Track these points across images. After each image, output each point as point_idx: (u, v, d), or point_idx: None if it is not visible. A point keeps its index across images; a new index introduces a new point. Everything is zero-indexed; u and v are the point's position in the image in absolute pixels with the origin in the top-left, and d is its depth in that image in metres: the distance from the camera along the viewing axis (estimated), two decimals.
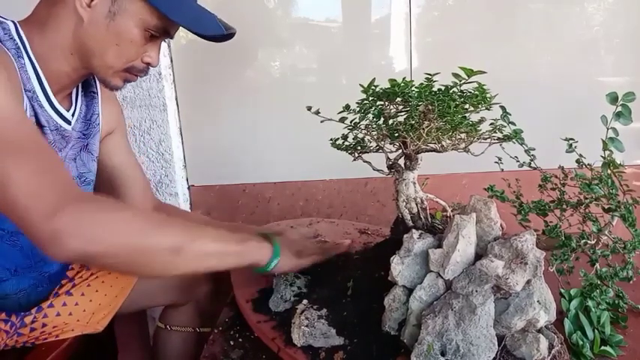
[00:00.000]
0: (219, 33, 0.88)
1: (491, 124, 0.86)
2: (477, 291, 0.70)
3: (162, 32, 0.89)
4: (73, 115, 0.96)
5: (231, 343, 0.85)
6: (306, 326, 0.76)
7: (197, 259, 0.77)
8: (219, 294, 1.21)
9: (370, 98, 0.83)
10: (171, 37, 0.93)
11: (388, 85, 0.81)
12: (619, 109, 0.79)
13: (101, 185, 1.10)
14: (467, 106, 0.80)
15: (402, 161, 0.88)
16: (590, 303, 0.83)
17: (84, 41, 0.85)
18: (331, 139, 0.89)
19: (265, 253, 0.85)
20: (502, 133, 0.86)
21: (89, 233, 0.67)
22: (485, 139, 0.85)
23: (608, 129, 0.81)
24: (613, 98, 0.79)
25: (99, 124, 1.03)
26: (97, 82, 1.02)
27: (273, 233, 0.95)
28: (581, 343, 0.77)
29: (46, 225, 0.65)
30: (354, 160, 0.90)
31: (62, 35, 0.85)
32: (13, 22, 0.85)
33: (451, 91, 0.79)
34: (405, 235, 0.79)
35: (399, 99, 0.81)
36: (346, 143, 0.89)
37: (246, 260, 0.83)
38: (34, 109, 0.85)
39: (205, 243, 0.77)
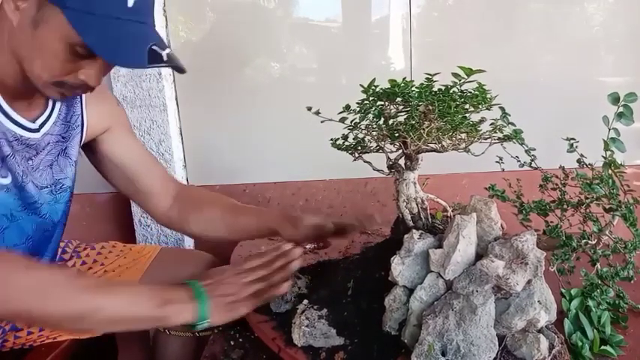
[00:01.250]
0: (136, 65, 0.77)
1: (491, 124, 0.86)
2: (477, 291, 0.70)
3: (90, 52, 0.75)
4: (47, 119, 0.90)
5: (232, 343, 0.85)
6: (307, 326, 0.76)
7: (107, 324, 0.75)
8: None
9: (370, 98, 0.83)
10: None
11: (388, 85, 0.81)
12: (620, 109, 0.79)
13: (123, 188, 1.07)
14: (467, 106, 0.80)
15: (402, 161, 0.88)
16: (590, 303, 0.83)
17: (14, 46, 0.78)
18: (331, 139, 0.89)
19: (188, 315, 0.76)
20: (502, 133, 0.86)
21: None
22: (486, 139, 0.85)
23: (609, 129, 0.81)
24: (615, 99, 0.79)
25: (79, 125, 0.97)
26: None
27: (205, 276, 0.82)
28: (581, 343, 0.77)
29: None
30: (355, 160, 0.90)
31: (3, 39, 0.78)
32: None
33: (451, 91, 0.79)
34: (405, 236, 0.79)
35: (399, 99, 0.81)
36: (346, 143, 0.89)
37: (167, 324, 0.80)
38: None
39: (115, 309, 0.73)
